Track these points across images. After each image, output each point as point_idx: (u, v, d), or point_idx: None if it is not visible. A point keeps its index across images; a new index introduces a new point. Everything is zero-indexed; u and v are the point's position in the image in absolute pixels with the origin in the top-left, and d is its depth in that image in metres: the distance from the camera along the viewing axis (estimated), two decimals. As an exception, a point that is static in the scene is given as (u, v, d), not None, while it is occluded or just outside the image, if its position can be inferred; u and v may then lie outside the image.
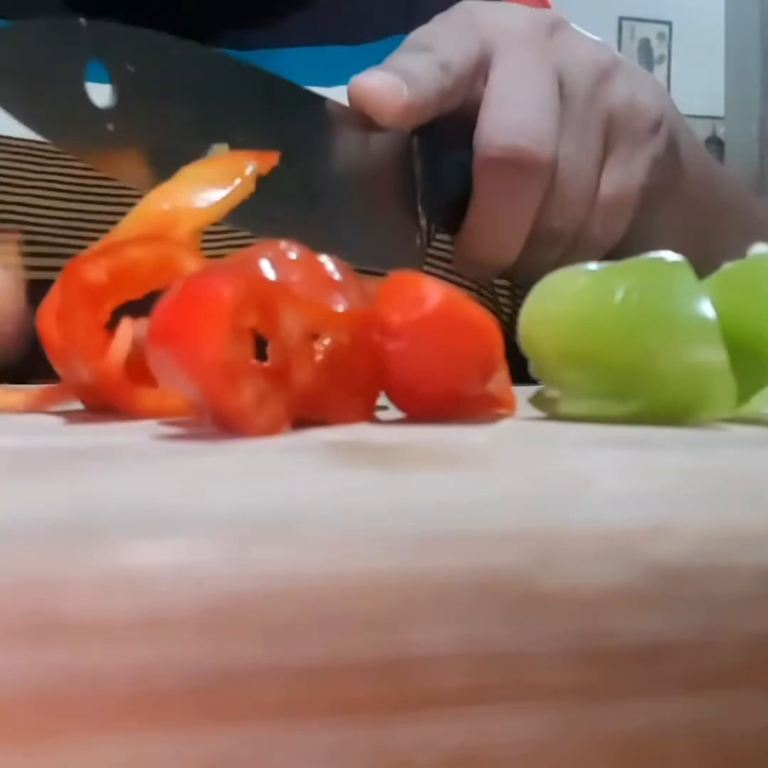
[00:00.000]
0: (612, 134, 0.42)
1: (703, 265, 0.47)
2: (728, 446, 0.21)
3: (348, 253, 0.33)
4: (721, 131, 3.05)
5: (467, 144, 0.40)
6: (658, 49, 3.39)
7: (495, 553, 0.11)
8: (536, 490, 0.15)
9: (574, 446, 0.20)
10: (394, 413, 0.25)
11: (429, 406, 0.23)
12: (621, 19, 3.33)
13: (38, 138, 0.52)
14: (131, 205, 0.29)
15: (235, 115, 0.38)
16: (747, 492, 0.15)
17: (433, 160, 0.41)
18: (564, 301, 0.25)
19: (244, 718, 0.10)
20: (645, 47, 3.38)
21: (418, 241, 0.41)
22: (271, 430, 0.20)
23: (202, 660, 0.10)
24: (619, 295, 0.23)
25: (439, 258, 0.49)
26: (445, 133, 0.41)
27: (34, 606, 0.10)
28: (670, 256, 0.24)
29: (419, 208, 0.41)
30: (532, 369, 0.26)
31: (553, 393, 0.25)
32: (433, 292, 0.22)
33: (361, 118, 0.39)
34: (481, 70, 0.41)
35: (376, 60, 0.48)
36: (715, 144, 3.18)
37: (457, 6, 0.44)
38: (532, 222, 0.40)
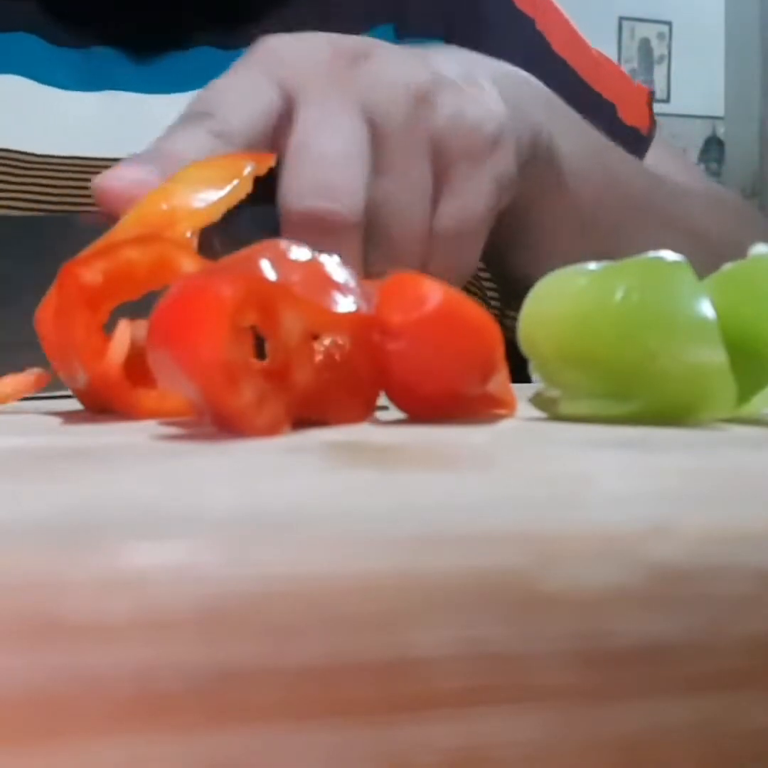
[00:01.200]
0: (441, 160, 0.38)
1: (614, 255, 0.46)
2: (728, 446, 0.20)
3: None
4: (721, 131, 3.05)
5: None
6: (658, 49, 3.39)
7: (495, 554, 0.11)
8: (536, 490, 0.15)
9: (574, 446, 0.20)
10: (394, 413, 0.25)
11: (429, 406, 0.23)
12: (621, 18, 3.33)
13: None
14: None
15: None
16: (747, 492, 0.15)
17: (232, 229, 0.37)
18: (563, 301, 0.25)
19: (244, 719, 0.10)
20: (645, 47, 3.38)
21: None
22: (271, 430, 0.20)
23: (202, 661, 0.10)
24: (618, 295, 0.23)
25: None
26: (259, 193, 0.37)
27: (34, 607, 0.10)
28: (669, 255, 0.23)
29: None
30: (532, 369, 0.26)
31: (553, 393, 0.25)
32: (433, 291, 0.22)
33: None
34: (284, 121, 0.37)
35: None
36: (715, 144, 3.19)
37: (259, 44, 0.40)
38: (361, 272, 0.37)
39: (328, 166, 0.36)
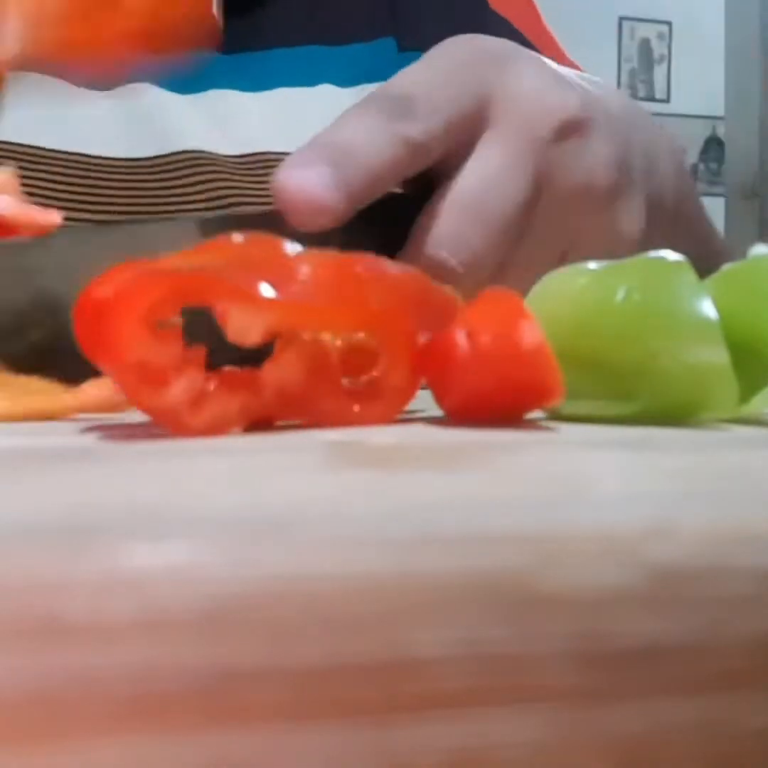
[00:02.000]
0: (572, 254, 0.37)
1: None
2: (728, 446, 0.20)
3: None
4: (721, 131, 3.05)
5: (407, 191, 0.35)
6: (658, 49, 3.39)
7: (495, 554, 0.11)
8: (536, 490, 0.15)
9: (574, 447, 0.20)
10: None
11: (476, 415, 0.23)
12: (621, 19, 3.33)
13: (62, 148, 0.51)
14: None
15: None
16: (747, 492, 0.15)
17: (354, 235, 0.35)
18: (564, 301, 0.25)
19: (244, 719, 0.10)
20: (645, 47, 3.38)
21: None
22: (212, 430, 0.20)
23: (203, 661, 0.10)
24: (620, 295, 0.23)
25: None
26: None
27: (34, 607, 0.10)
28: (670, 255, 0.23)
29: None
30: None
31: None
32: (523, 325, 0.22)
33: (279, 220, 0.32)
34: (470, 132, 0.35)
35: (361, 61, 0.46)
36: (715, 144, 3.19)
37: (475, 40, 0.37)
38: None
39: (478, 225, 0.34)
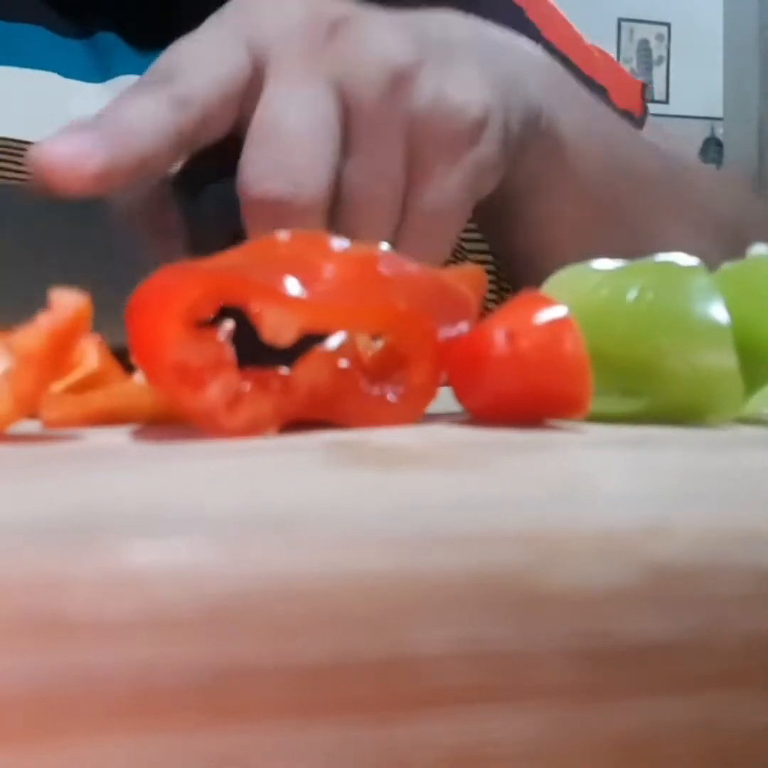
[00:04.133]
0: (417, 144, 0.36)
1: (632, 242, 0.45)
2: (728, 446, 0.21)
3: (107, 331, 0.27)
4: (720, 132, 3.05)
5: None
6: (657, 50, 3.39)
7: (495, 554, 0.11)
8: (536, 490, 0.15)
9: (574, 446, 0.20)
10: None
11: (499, 414, 0.23)
12: (620, 20, 3.33)
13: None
14: None
15: None
16: (747, 492, 0.15)
17: (194, 204, 0.35)
18: (576, 298, 0.24)
19: (245, 717, 0.10)
20: (644, 48, 3.38)
21: None
22: (250, 431, 0.20)
23: (203, 659, 0.10)
24: (632, 295, 0.23)
25: None
26: (223, 162, 0.35)
27: (36, 606, 0.10)
28: (684, 259, 0.24)
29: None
30: None
31: None
32: (568, 335, 0.22)
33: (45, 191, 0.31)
34: (253, 85, 0.35)
35: None
36: (714, 144, 3.19)
37: (231, 3, 0.37)
38: None
39: (291, 145, 0.34)
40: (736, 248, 0.26)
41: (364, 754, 0.11)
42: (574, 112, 0.43)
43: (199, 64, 0.35)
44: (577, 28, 0.64)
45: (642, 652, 0.11)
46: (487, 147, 0.37)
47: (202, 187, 0.36)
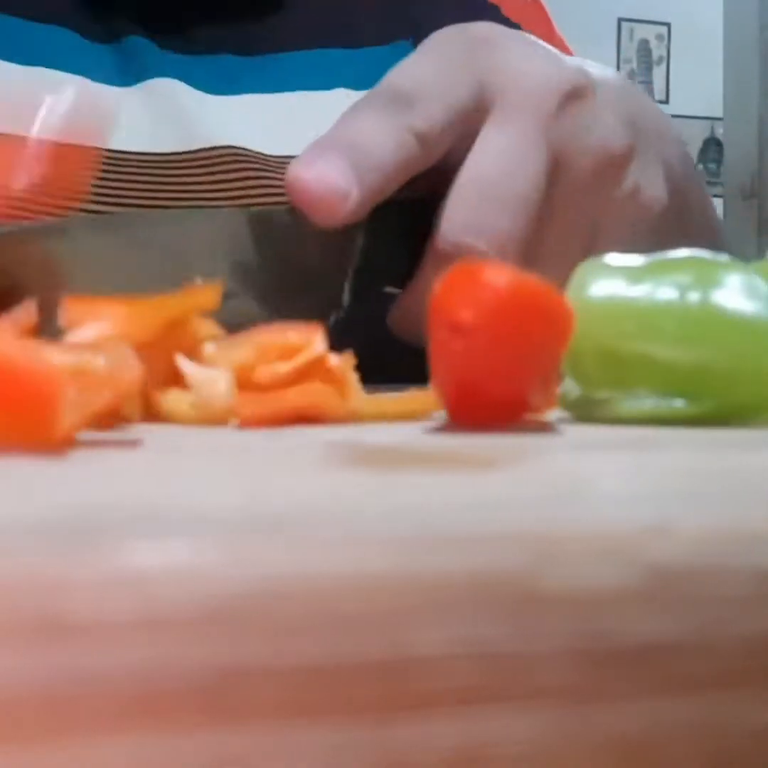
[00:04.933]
0: (603, 225, 0.37)
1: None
2: (728, 446, 0.21)
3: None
4: (719, 132, 3.05)
5: (425, 190, 0.34)
6: (657, 50, 3.39)
7: (495, 554, 0.11)
8: (536, 490, 0.15)
9: (574, 447, 0.20)
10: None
11: (486, 414, 0.21)
12: (620, 20, 3.33)
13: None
14: None
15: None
16: (747, 492, 0.15)
17: (377, 233, 0.35)
18: (611, 298, 0.24)
19: (245, 718, 0.10)
20: (644, 48, 3.38)
21: (332, 318, 0.34)
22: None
23: (203, 660, 0.10)
24: (674, 294, 0.23)
25: None
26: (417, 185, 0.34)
27: (35, 606, 0.10)
28: (708, 254, 0.23)
29: (347, 285, 0.35)
30: (566, 369, 0.24)
31: (600, 394, 0.24)
32: (500, 279, 0.20)
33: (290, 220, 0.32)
34: (474, 120, 0.35)
35: (376, 64, 0.46)
36: (714, 145, 3.19)
37: (465, 30, 0.36)
38: None
39: (499, 205, 0.34)
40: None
41: (365, 755, 0.11)
42: (694, 195, 0.45)
43: (434, 94, 0.34)
44: (555, 26, 0.64)
45: (642, 652, 0.11)
46: (647, 236, 0.38)
47: (388, 217, 0.35)
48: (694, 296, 0.23)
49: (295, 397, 0.23)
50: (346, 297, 0.35)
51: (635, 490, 0.15)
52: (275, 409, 0.22)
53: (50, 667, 0.10)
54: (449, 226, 0.34)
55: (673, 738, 0.12)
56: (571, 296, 0.24)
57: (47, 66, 0.52)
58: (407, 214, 0.35)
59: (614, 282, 0.24)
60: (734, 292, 0.23)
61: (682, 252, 0.24)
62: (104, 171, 0.51)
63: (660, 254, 0.24)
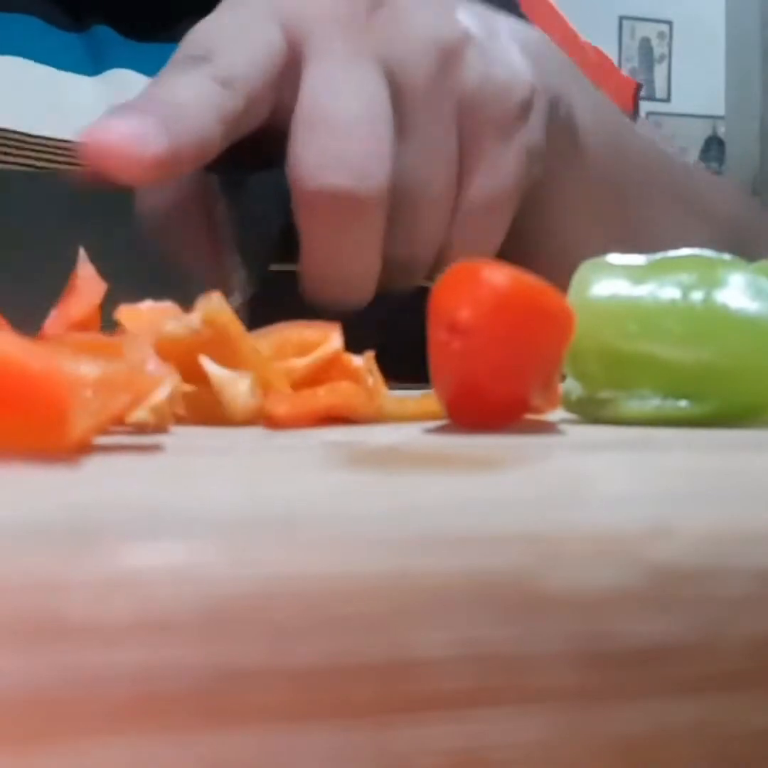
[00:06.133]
0: (468, 127, 0.34)
1: (637, 239, 0.44)
2: (728, 447, 0.21)
3: None
4: (721, 131, 3.05)
5: (282, 160, 0.32)
6: (658, 48, 3.39)
7: (495, 555, 0.11)
8: (536, 490, 0.15)
9: (574, 447, 0.20)
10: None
11: (487, 415, 0.21)
12: (621, 18, 3.33)
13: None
14: None
15: None
16: (747, 492, 0.15)
17: (239, 198, 0.33)
18: (615, 298, 0.23)
19: (244, 719, 0.10)
20: (645, 46, 3.38)
21: (235, 301, 0.32)
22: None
23: (202, 661, 0.10)
24: (677, 293, 0.23)
25: None
26: (253, 154, 0.33)
27: (34, 607, 0.10)
28: (711, 252, 0.23)
29: (230, 261, 0.33)
30: (568, 369, 0.24)
31: (604, 394, 0.24)
32: (500, 278, 0.20)
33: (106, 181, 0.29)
34: (290, 67, 0.33)
35: None
36: (716, 143, 3.18)
37: None
38: (380, 254, 0.33)
39: (346, 133, 0.31)
40: (734, 250, 0.25)
41: (364, 757, 0.11)
42: (584, 99, 0.41)
43: (233, 43, 0.32)
44: (572, 26, 0.64)
45: (643, 653, 0.11)
46: (535, 129, 0.36)
47: (242, 181, 0.33)
48: (697, 296, 0.23)
49: (326, 397, 0.22)
50: (239, 274, 0.33)
51: (636, 491, 0.15)
52: (306, 409, 0.22)
53: (50, 667, 0.10)
54: (303, 170, 0.31)
55: (674, 739, 0.12)
56: (573, 296, 0.24)
57: (13, 54, 0.51)
58: (269, 184, 0.33)
59: (616, 281, 0.24)
60: (738, 291, 0.23)
61: (686, 250, 0.24)
62: (66, 160, 0.50)
63: (662, 253, 0.24)
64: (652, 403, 0.23)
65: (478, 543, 0.11)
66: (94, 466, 0.17)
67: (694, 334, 0.23)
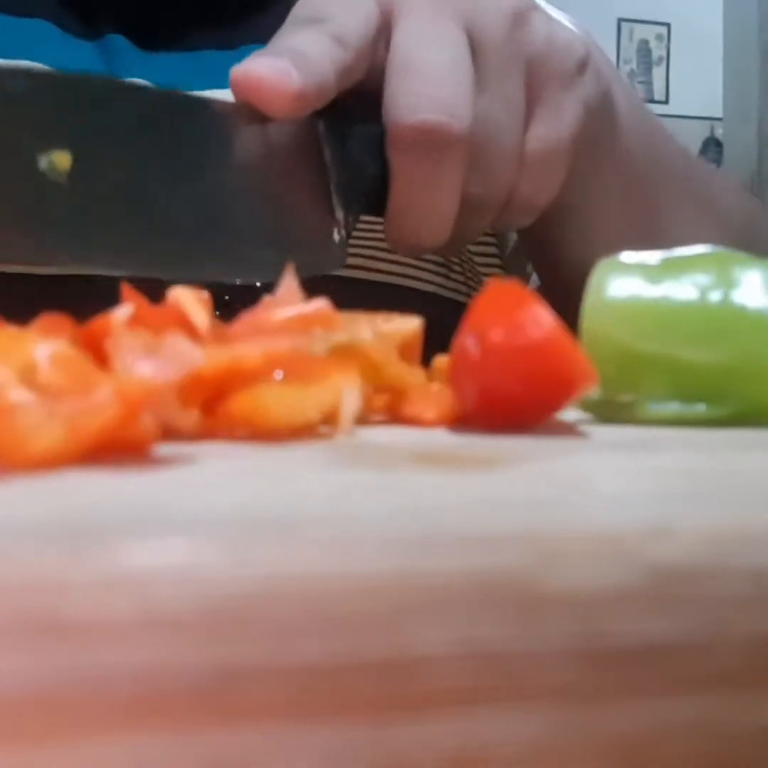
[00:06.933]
0: (534, 81, 0.39)
1: (650, 232, 0.46)
2: (728, 447, 0.21)
3: (260, 270, 0.31)
4: (719, 132, 3.05)
5: (377, 117, 0.37)
6: (656, 50, 3.39)
7: (495, 554, 0.11)
8: (536, 490, 0.15)
9: (574, 447, 0.20)
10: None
11: (497, 418, 0.22)
12: (620, 20, 3.34)
13: None
14: None
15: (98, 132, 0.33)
16: (747, 492, 0.15)
17: (342, 143, 0.37)
18: (634, 298, 0.23)
19: (244, 718, 0.10)
20: (644, 48, 3.38)
21: (336, 236, 0.37)
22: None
23: (203, 661, 0.10)
24: (696, 294, 0.22)
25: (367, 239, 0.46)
26: (353, 109, 0.37)
27: (36, 607, 0.10)
28: (728, 251, 0.23)
29: (334, 199, 0.37)
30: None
31: (624, 397, 0.23)
32: (541, 321, 0.21)
33: (250, 112, 0.35)
34: (382, 32, 0.37)
35: None
36: (714, 145, 3.19)
37: None
38: (459, 192, 0.37)
39: (436, 79, 0.36)
40: (744, 249, 0.25)
41: (364, 756, 0.11)
42: (624, 97, 0.45)
43: (340, 7, 0.37)
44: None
45: (643, 653, 0.11)
46: (591, 85, 0.40)
47: (343, 130, 0.37)
48: (714, 295, 0.22)
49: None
50: (339, 212, 0.37)
51: (636, 491, 0.15)
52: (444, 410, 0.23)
53: (49, 668, 0.10)
54: (400, 108, 0.36)
55: (674, 738, 0.12)
56: (590, 297, 0.24)
57: (30, 59, 0.52)
58: (364, 138, 0.37)
59: (633, 281, 0.24)
60: (755, 290, 0.22)
61: (701, 248, 0.24)
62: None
63: (677, 252, 0.24)
64: (671, 407, 0.23)
65: (478, 543, 0.11)
66: (94, 466, 0.17)
67: (712, 335, 0.22)
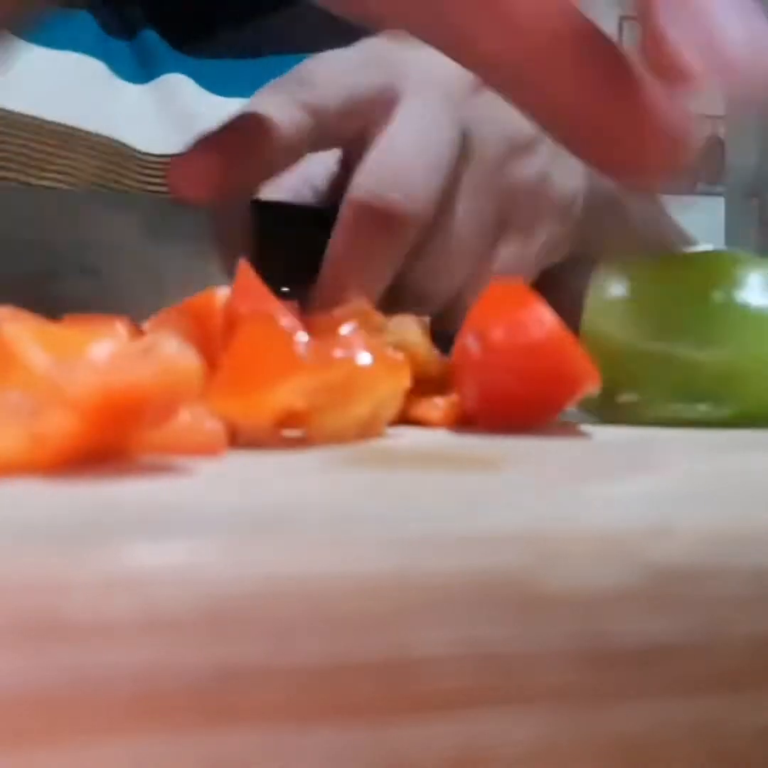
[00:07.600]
0: (512, 211, 0.39)
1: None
2: (728, 448, 0.21)
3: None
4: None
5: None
6: (657, 48, 3.39)
7: (496, 555, 0.11)
8: (537, 490, 0.15)
9: (575, 447, 0.20)
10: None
11: (496, 416, 0.22)
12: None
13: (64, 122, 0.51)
14: None
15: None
16: (747, 492, 0.15)
17: (270, 241, 0.36)
18: (632, 298, 0.23)
19: (244, 719, 0.10)
20: (645, 47, 3.38)
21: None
22: None
23: (203, 661, 0.10)
24: (697, 292, 0.22)
25: None
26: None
27: (37, 608, 0.10)
28: (724, 249, 0.23)
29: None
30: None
31: (627, 397, 0.23)
32: (542, 321, 0.21)
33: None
34: (384, 107, 0.37)
35: None
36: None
37: (381, 37, 0.40)
38: (393, 279, 0.36)
39: (409, 158, 0.36)
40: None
41: (364, 757, 0.11)
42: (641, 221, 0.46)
43: (335, 74, 0.37)
44: None
45: (643, 653, 0.11)
46: (564, 226, 0.41)
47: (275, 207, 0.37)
48: (716, 295, 0.22)
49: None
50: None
51: (635, 490, 0.15)
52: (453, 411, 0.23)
53: (49, 669, 0.10)
54: (365, 179, 0.35)
55: (674, 738, 0.12)
56: (591, 296, 0.24)
57: (76, 50, 0.53)
58: (304, 220, 0.37)
59: (634, 281, 0.24)
60: (757, 289, 0.22)
61: (702, 247, 0.24)
62: (109, 161, 0.51)
63: (679, 251, 0.24)
64: (671, 407, 0.23)
65: (477, 543, 0.11)
66: (95, 467, 0.17)
67: (713, 335, 0.22)
